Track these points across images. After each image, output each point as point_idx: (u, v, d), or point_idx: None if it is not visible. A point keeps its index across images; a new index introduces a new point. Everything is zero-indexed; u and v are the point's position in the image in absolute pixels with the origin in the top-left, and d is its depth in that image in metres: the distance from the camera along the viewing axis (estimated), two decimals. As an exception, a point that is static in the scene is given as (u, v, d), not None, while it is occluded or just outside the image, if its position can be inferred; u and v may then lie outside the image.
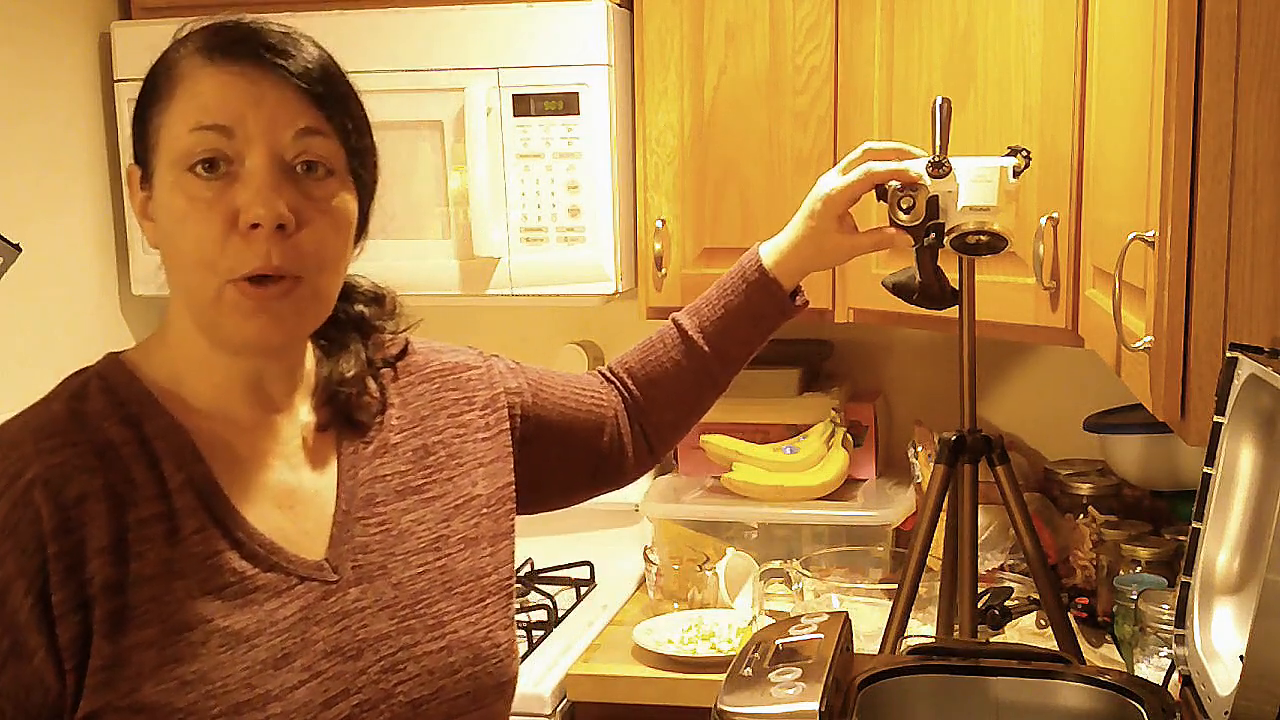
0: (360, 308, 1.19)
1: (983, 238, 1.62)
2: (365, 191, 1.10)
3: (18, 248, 2.07)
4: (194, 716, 0.97)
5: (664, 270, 2.23)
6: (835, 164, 2.14)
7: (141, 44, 2.28)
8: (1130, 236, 1.27)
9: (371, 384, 1.17)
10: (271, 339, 1.03)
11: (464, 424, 1.22)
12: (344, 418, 1.14)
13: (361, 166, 1.08)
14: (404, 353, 1.23)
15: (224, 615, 1.00)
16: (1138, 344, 1.26)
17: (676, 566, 2.24)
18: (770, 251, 1.49)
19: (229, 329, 1.03)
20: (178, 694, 0.97)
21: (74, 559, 0.96)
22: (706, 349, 1.48)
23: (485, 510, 1.20)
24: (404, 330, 1.24)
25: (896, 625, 1.73)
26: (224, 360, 1.07)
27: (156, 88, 1.04)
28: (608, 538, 2.47)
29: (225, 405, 1.08)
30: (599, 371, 1.51)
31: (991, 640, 2.00)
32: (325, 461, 1.13)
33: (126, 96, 2.30)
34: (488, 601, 1.16)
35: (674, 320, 1.51)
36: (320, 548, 1.08)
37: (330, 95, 1.04)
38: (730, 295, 1.48)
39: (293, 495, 1.09)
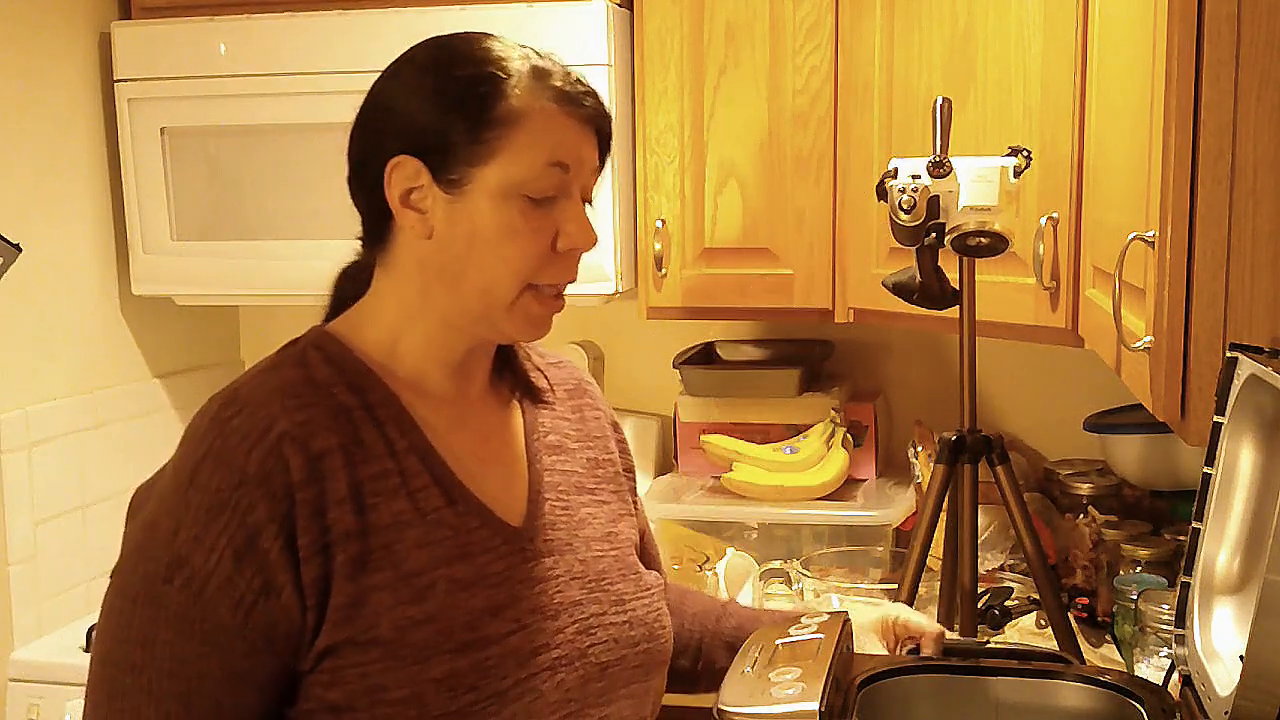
0: None
1: (983, 239, 1.62)
2: None
3: (18, 248, 2.07)
4: (425, 651, 1.08)
5: (664, 270, 2.23)
6: (835, 164, 2.16)
7: (141, 44, 2.30)
8: (1130, 236, 1.27)
9: (528, 365, 1.30)
10: (543, 335, 1.20)
11: (610, 450, 1.36)
12: (523, 386, 1.28)
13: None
14: (559, 364, 1.37)
15: (447, 565, 1.12)
16: (1138, 344, 1.26)
17: (677, 566, 2.24)
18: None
19: (511, 328, 1.17)
20: (411, 631, 1.08)
21: (318, 506, 1.07)
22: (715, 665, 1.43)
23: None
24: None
25: (896, 625, 1.73)
26: (450, 342, 1.19)
27: (491, 108, 1.13)
28: (608, 538, 2.47)
29: (431, 378, 1.19)
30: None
31: (991, 640, 2.00)
32: (512, 438, 1.26)
33: (126, 96, 2.30)
34: (654, 590, 1.29)
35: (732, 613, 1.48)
36: (517, 516, 1.20)
37: (607, 140, 1.21)
38: None
39: (488, 463, 1.21)
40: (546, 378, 1.32)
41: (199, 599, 1.06)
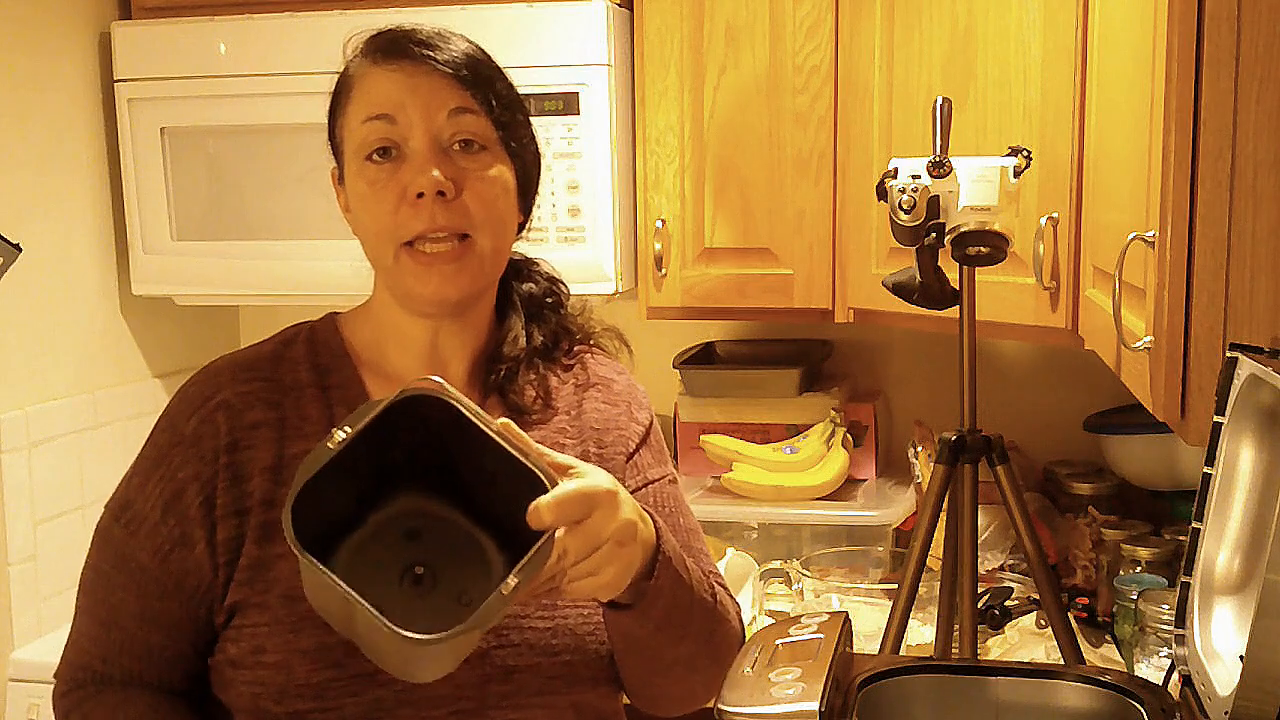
0: (529, 286, 1.32)
1: (983, 249, 1.62)
2: (521, 164, 1.23)
3: (18, 248, 2.07)
4: (302, 622, 1.13)
5: (664, 270, 2.23)
6: (835, 164, 2.16)
7: (141, 44, 2.30)
8: (1130, 236, 1.27)
9: (532, 374, 1.28)
10: (447, 294, 1.18)
11: (624, 450, 1.31)
12: (499, 394, 1.26)
13: (514, 140, 1.22)
14: (583, 365, 1.34)
15: None
16: (1138, 344, 1.26)
17: (676, 566, 2.24)
18: None
19: (408, 287, 1.18)
20: (298, 602, 1.12)
21: (240, 473, 1.16)
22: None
23: None
24: (588, 341, 1.35)
25: (896, 625, 1.73)
26: (412, 326, 1.22)
27: (338, 96, 1.22)
28: (608, 538, 2.47)
29: (404, 368, 1.23)
30: None
31: (991, 640, 2.00)
32: None
33: (126, 96, 2.30)
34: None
35: None
36: None
37: (476, 78, 1.18)
38: None
39: None
40: (560, 380, 1.30)
41: (132, 539, 1.19)
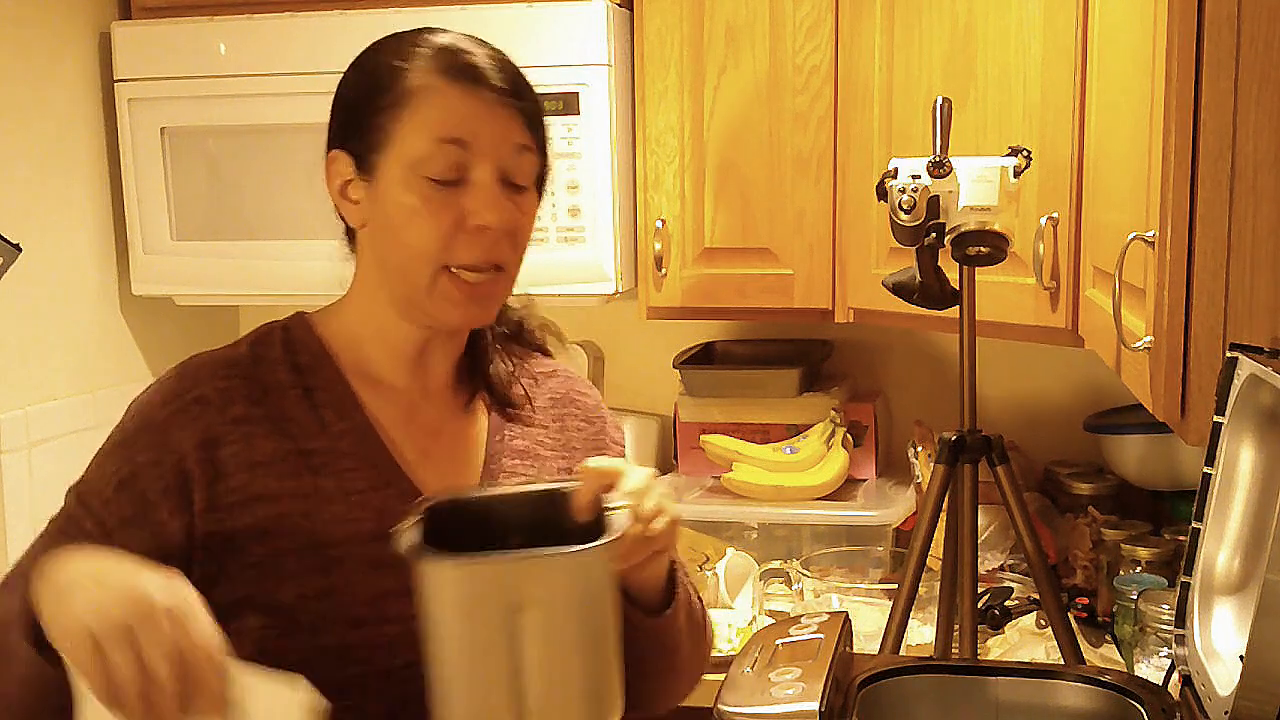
0: None
1: (983, 249, 1.62)
2: (544, 194, 1.25)
3: (18, 248, 2.07)
4: (321, 621, 1.13)
5: (664, 270, 2.23)
6: (835, 164, 2.16)
7: (141, 44, 2.30)
8: (1130, 236, 1.27)
9: (510, 368, 1.30)
10: (477, 320, 1.21)
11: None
12: (492, 393, 1.28)
13: (546, 178, 1.24)
14: (553, 374, 1.36)
15: (362, 543, 1.14)
16: (1138, 344, 1.26)
17: (676, 566, 2.24)
18: None
19: (437, 311, 1.17)
20: (313, 600, 1.13)
21: (221, 469, 1.13)
22: None
23: None
24: (533, 336, 1.36)
25: (896, 625, 1.73)
26: (404, 332, 1.21)
27: (386, 91, 1.16)
28: (608, 538, 2.47)
29: (389, 371, 1.22)
30: None
31: (991, 640, 2.00)
32: (469, 438, 1.27)
33: (126, 96, 2.30)
34: None
35: None
36: None
37: (539, 118, 1.20)
38: None
39: (435, 458, 1.23)
40: (533, 385, 1.32)
41: (79, 507, 1.17)
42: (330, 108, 1.22)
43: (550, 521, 1.05)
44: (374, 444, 1.19)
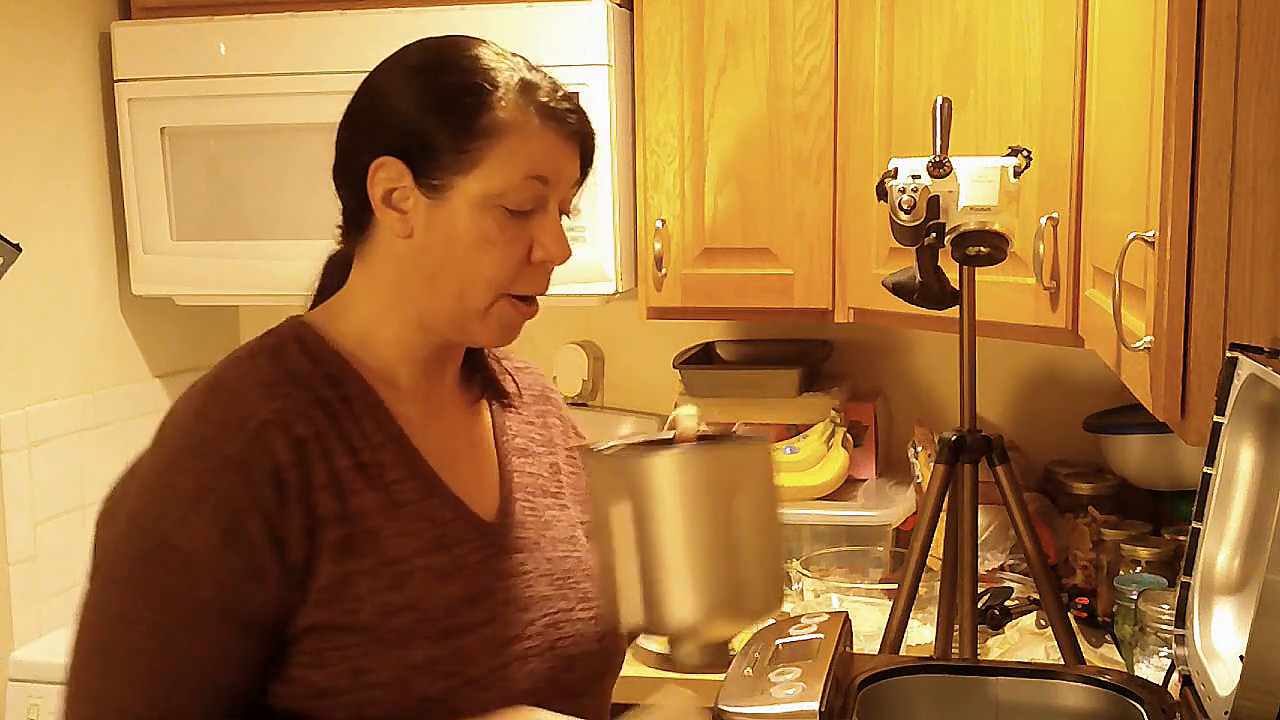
0: None
1: (983, 249, 1.62)
2: None
3: (18, 248, 2.07)
4: (407, 636, 1.11)
5: (664, 270, 2.23)
6: (835, 164, 2.16)
7: (141, 44, 2.30)
8: (1130, 236, 1.27)
9: (495, 365, 1.31)
10: (509, 342, 1.21)
11: (572, 457, 1.36)
12: (492, 389, 1.29)
13: None
14: (529, 373, 1.38)
15: (425, 554, 1.14)
16: (1138, 344, 1.26)
17: (676, 566, 2.24)
18: None
19: (481, 334, 1.19)
20: (393, 616, 1.11)
21: (303, 490, 1.10)
22: None
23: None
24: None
25: (896, 625, 1.73)
26: (421, 339, 1.20)
27: (469, 116, 1.14)
28: (608, 538, 2.47)
29: (405, 372, 1.21)
30: None
31: (991, 640, 2.00)
32: (481, 438, 1.28)
33: (126, 96, 2.30)
34: None
35: None
36: (489, 511, 1.22)
37: (593, 150, 1.22)
38: None
39: (460, 458, 1.23)
40: (515, 382, 1.34)
41: (185, 581, 1.08)
42: (360, 104, 1.19)
43: None
44: (411, 453, 1.18)
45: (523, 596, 1.19)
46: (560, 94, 1.19)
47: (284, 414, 1.11)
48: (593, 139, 1.22)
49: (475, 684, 1.14)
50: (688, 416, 1.15)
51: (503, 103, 1.15)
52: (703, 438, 1.14)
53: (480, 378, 1.30)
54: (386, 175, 1.15)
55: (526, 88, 1.16)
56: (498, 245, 1.15)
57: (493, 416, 1.30)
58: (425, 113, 1.15)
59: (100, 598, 1.12)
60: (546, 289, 1.20)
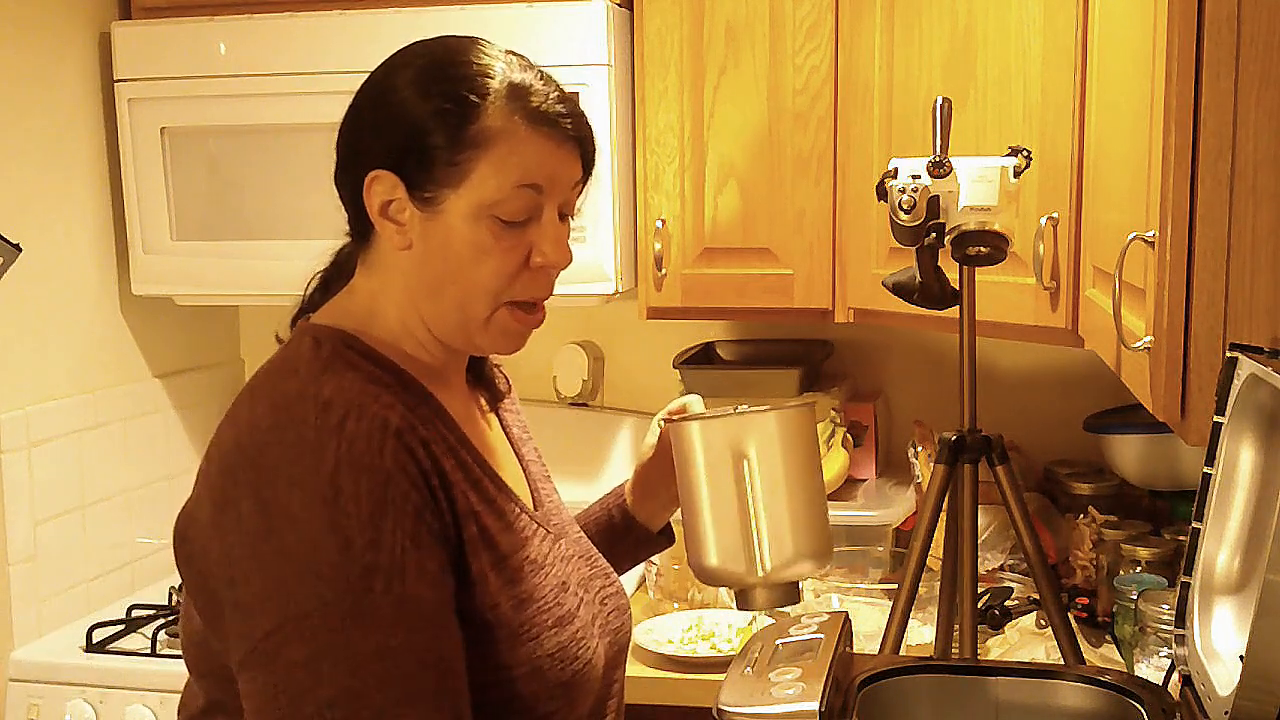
0: None
1: (983, 249, 1.62)
2: None
3: (18, 248, 2.07)
4: (535, 628, 1.14)
5: (664, 270, 2.23)
6: (835, 164, 2.16)
7: (141, 44, 2.30)
8: (1130, 236, 1.27)
9: (492, 365, 1.35)
10: (516, 350, 1.22)
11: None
12: (485, 388, 1.32)
13: None
14: (498, 363, 1.39)
15: (519, 548, 1.17)
16: (1138, 344, 1.26)
17: (676, 566, 2.24)
18: (631, 494, 1.51)
19: (485, 342, 1.19)
20: (517, 610, 1.14)
21: (445, 489, 1.11)
22: None
23: None
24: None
25: (896, 625, 1.73)
26: (436, 345, 1.20)
27: (458, 127, 1.12)
28: (608, 538, 2.47)
29: (432, 379, 1.20)
30: None
31: (991, 640, 2.00)
32: (499, 431, 1.31)
33: (126, 96, 2.30)
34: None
35: None
36: (530, 504, 1.25)
37: (593, 152, 1.21)
38: (602, 532, 1.49)
39: (499, 455, 1.26)
40: (504, 375, 1.38)
41: (405, 592, 1.03)
42: (356, 114, 1.17)
43: None
44: (475, 452, 1.18)
45: (579, 578, 1.25)
46: (553, 96, 1.16)
47: (406, 419, 1.09)
48: (591, 140, 1.20)
49: (590, 666, 1.18)
50: (697, 400, 1.30)
51: (490, 111, 1.13)
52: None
53: (480, 377, 1.32)
54: (381, 188, 1.14)
55: (515, 93, 1.14)
56: (494, 255, 1.14)
57: (496, 412, 1.33)
58: (416, 125, 1.13)
59: (328, 646, 1.01)
60: (550, 293, 1.19)
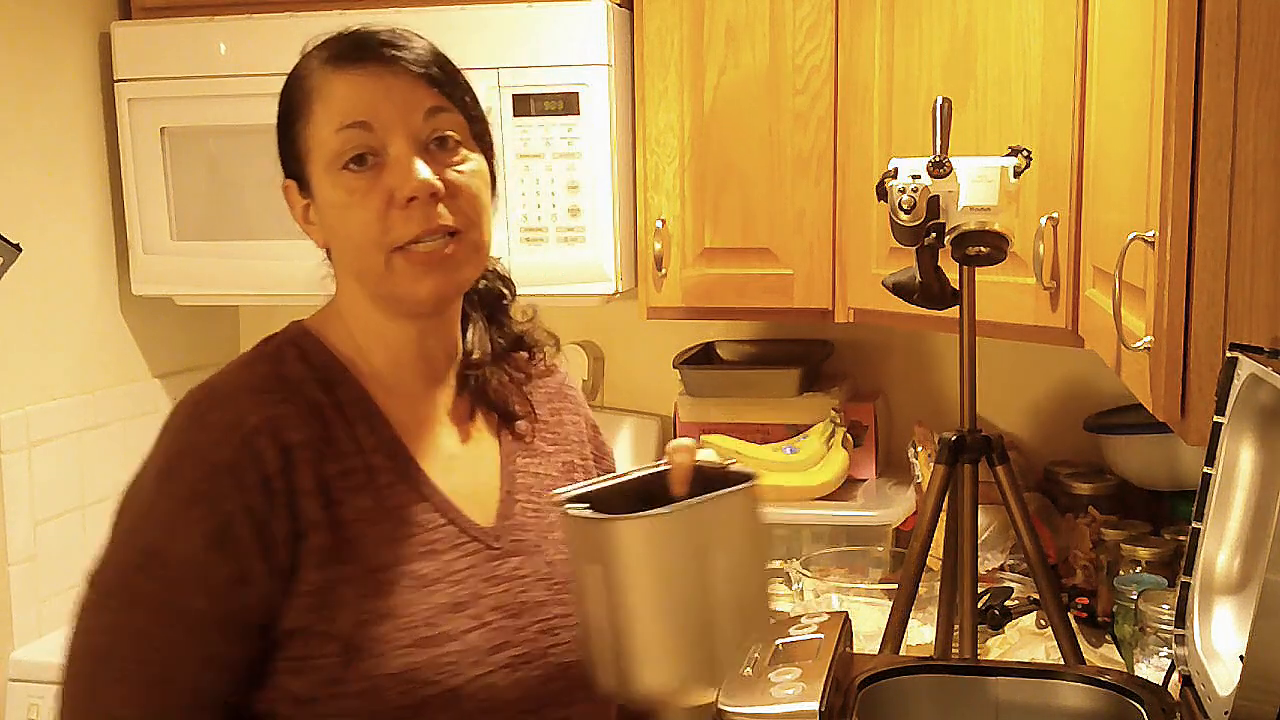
0: (483, 282, 1.29)
1: (983, 249, 1.62)
2: (489, 153, 1.22)
3: (18, 248, 2.07)
4: (384, 646, 1.10)
5: (664, 270, 2.23)
6: (835, 164, 2.16)
7: (141, 44, 2.30)
8: (1130, 236, 1.27)
9: (505, 376, 1.28)
10: (444, 292, 1.17)
11: (586, 456, 1.35)
12: (484, 400, 1.26)
13: (484, 132, 1.21)
14: (548, 371, 1.36)
15: (410, 561, 1.13)
16: (1138, 344, 1.26)
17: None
18: None
19: (403, 292, 1.15)
20: (372, 625, 1.10)
21: (291, 496, 1.10)
22: None
23: None
24: (539, 347, 1.35)
25: (896, 625, 1.73)
26: (395, 330, 1.19)
27: (295, 105, 1.18)
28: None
29: (398, 375, 1.20)
30: None
31: (991, 640, 2.00)
32: (483, 438, 1.26)
33: (126, 96, 2.30)
34: None
35: None
36: (487, 516, 1.21)
37: (446, 75, 1.17)
38: None
39: (458, 462, 1.22)
40: (532, 383, 1.32)
41: (174, 586, 1.08)
42: None
43: (658, 499, 1.11)
44: (404, 458, 1.18)
45: (514, 602, 1.18)
46: (358, 36, 1.16)
47: (275, 420, 1.11)
48: (425, 64, 1.15)
49: (454, 694, 1.12)
50: (682, 450, 1.12)
51: (303, 76, 1.17)
52: (699, 470, 1.11)
53: (472, 389, 1.26)
54: (292, 199, 1.22)
55: (319, 50, 1.17)
56: (353, 206, 1.14)
57: (501, 420, 1.28)
58: (279, 124, 1.21)
59: (93, 602, 1.12)
60: (431, 226, 1.13)
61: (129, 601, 1.10)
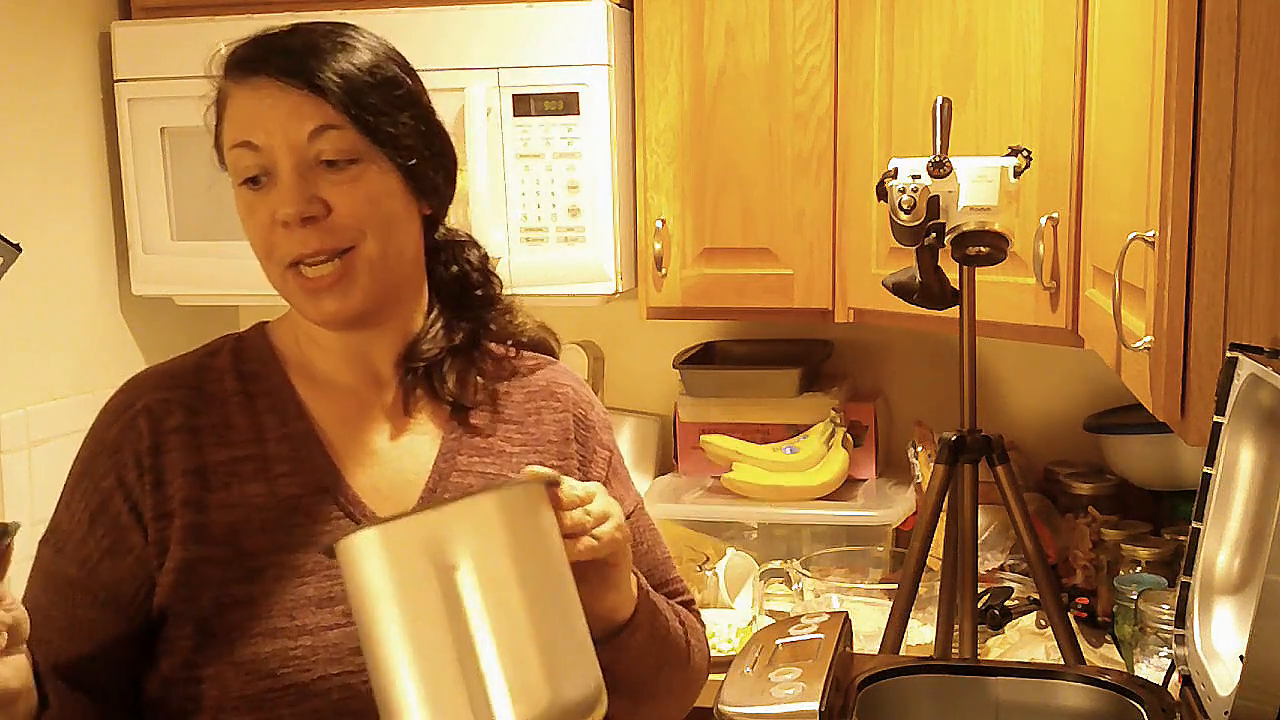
0: (453, 269, 1.26)
1: (983, 249, 1.62)
2: (409, 158, 1.15)
3: (18, 248, 2.06)
4: (234, 632, 1.10)
5: (664, 270, 2.23)
6: (835, 164, 2.16)
7: (141, 44, 2.30)
8: (1130, 236, 1.27)
9: (458, 366, 1.23)
10: (341, 312, 1.14)
11: (568, 455, 1.27)
12: (427, 391, 1.22)
13: (394, 142, 1.14)
14: (529, 369, 1.30)
15: (288, 551, 1.13)
16: (1138, 344, 1.26)
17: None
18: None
19: (305, 311, 1.16)
20: (229, 610, 1.11)
21: (159, 474, 1.14)
22: None
23: None
24: (520, 345, 1.31)
25: (896, 625, 1.73)
26: (330, 335, 1.20)
27: (217, 110, 1.20)
28: (608, 538, 2.47)
29: (335, 373, 1.21)
30: None
31: (991, 640, 2.00)
32: (422, 435, 1.22)
33: (126, 96, 2.30)
34: None
35: None
36: (378, 510, 1.17)
37: (341, 90, 1.11)
38: None
39: (382, 458, 1.20)
40: (513, 380, 1.27)
41: (59, 555, 1.16)
42: None
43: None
44: (313, 449, 1.17)
45: None
46: (255, 41, 1.14)
47: (165, 404, 1.16)
48: (315, 80, 1.10)
49: (299, 690, 1.09)
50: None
51: (217, 79, 1.18)
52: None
53: (420, 380, 1.22)
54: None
55: (235, 51, 1.15)
56: (248, 222, 1.15)
57: (452, 417, 1.23)
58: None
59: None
60: (313, 250, 1.11)
61: (34, 570, 1.18)
